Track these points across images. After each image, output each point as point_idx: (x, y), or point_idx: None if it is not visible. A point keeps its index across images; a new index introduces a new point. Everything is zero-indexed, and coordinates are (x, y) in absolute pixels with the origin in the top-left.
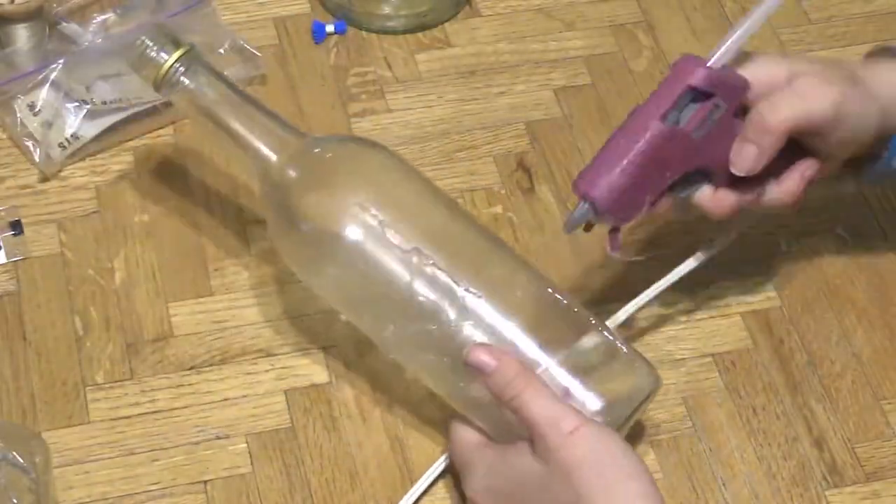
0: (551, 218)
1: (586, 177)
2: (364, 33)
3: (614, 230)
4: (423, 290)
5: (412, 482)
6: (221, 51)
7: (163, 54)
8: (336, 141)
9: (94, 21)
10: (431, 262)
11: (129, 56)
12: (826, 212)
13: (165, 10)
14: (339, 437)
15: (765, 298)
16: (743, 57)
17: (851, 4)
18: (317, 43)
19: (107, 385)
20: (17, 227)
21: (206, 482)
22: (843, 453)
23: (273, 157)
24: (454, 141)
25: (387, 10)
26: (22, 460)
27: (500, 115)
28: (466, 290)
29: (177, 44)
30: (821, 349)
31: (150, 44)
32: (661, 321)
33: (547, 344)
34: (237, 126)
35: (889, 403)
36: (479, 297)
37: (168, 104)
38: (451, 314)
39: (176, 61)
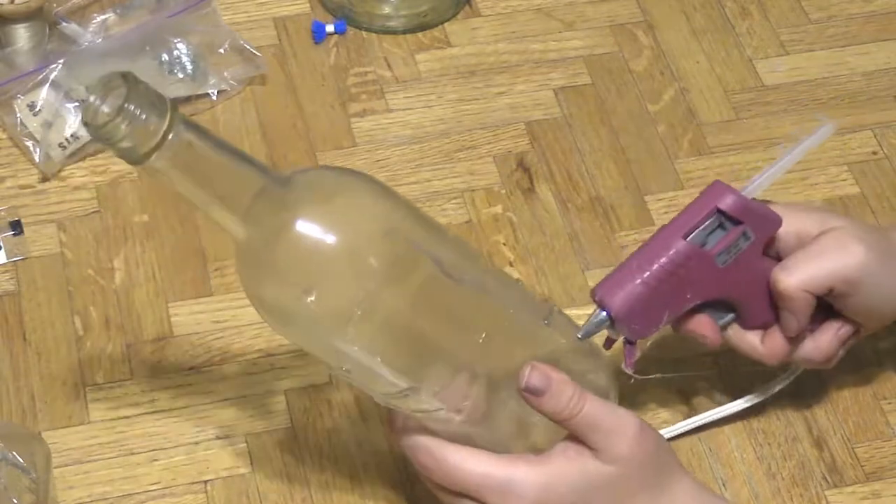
0: (551, 218)
1: (605, 285)
2: (364, 33)
3: (630, 343)
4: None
5: (411, 483)
6: (221, 51)
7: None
8: (308, 173)
9: (94, 21)
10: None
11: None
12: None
13: (165, 10)
14: (339, 437)
15: None
16: (777, 205)
17: (851, 4)
18: (317, 43)
19: (107, 385)
20: (17, 227)
21: (206, 482)
22: (843, 453)
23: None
24: (454, 141)
25: (387, 10)
26: (22, 460)
27: (500, 115)
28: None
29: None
30: None
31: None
32: None
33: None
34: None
35: (889, 403)
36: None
37: None
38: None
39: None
